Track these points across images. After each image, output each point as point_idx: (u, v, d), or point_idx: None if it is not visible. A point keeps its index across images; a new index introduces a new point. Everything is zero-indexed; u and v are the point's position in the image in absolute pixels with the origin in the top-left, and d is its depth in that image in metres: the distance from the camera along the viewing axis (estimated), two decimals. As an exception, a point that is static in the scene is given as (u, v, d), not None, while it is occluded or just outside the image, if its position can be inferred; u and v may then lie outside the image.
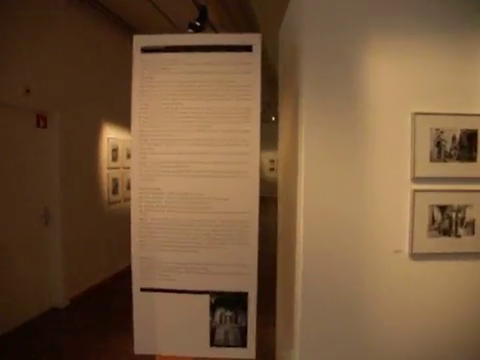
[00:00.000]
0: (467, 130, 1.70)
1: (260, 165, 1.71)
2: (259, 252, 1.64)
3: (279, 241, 2.41)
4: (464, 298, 1.74)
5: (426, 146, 1.68)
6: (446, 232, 1.70)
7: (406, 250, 1.69)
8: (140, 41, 1.66)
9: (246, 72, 1.62)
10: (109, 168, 5.18)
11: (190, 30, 3.61)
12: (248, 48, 1.62)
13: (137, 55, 1.65)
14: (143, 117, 1.65)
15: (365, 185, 1.67)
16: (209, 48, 1.63)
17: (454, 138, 1.69)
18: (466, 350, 1.75)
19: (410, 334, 1.72)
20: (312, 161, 1.65)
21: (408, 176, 1.68)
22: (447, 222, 1.70)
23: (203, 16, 3.73)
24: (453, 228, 1.71)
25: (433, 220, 1.69)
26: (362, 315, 1.69)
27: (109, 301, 4.42)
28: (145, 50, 1.65)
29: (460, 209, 1.71)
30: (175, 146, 1.63)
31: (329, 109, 1.65)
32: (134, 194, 1.66)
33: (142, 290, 1.68)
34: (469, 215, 1.71)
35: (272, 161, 14.47)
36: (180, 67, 1.63)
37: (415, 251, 1.68)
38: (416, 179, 1.68)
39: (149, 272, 1.67)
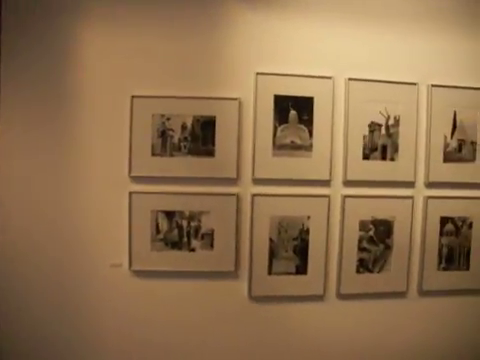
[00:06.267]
0: (202, 117, 1.34)
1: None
2: None
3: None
4: (202, 327, 1.40)
5: (147, 136, 1.33)
6: (176, 245, 1.36)
7: (126, 265, 1.37)
8: None
9: None
10: None
11: None
12: None
13: None
14: None
15: (73, 185, 1.35)
16: None
17: (184, 126, 1.34)
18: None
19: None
20: (7, 154, 1.35)
21: (126, 174, 1.35)
22: (176, 232, 1.36)
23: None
24: (185, 240, 1.36)
25: (158, 229, 1.36)
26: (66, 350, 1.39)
27: None
28: None
29: (193, 216, 1.35)
30: None
31: (29, 96, 1.33)
32: None
33: None
34: (206, 224, 1.36)
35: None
36: None
37: (135, 267, 1.35)
38: (135, 178, 1.35)
39: None
